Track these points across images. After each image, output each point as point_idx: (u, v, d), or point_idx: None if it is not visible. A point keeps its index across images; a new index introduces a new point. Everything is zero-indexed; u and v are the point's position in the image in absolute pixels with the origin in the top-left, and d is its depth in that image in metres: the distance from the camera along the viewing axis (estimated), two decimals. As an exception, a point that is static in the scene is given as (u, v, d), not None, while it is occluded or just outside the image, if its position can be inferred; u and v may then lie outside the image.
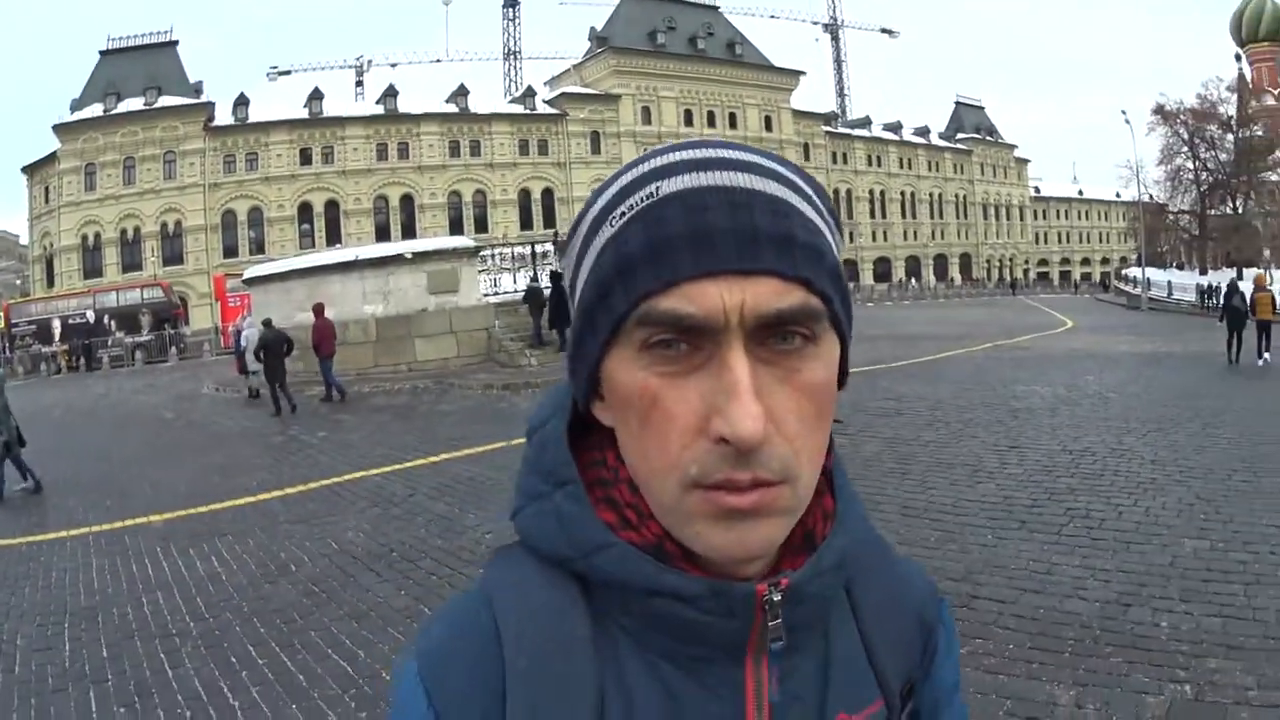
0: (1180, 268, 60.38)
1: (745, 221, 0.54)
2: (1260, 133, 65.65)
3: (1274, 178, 63.96)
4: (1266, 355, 16.51)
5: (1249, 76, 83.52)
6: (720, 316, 0.53)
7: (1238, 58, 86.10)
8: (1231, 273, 46.70)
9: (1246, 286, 17.79)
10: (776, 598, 0.59)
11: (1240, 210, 62.92)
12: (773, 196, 0.56)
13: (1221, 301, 18.11)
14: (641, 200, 0.56)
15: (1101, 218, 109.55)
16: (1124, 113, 51.38)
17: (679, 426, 0.55)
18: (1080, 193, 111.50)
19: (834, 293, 0.57)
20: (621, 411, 0.58)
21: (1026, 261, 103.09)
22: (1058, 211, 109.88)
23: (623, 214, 0.56)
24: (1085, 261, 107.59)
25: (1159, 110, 62.60)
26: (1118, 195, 64.20)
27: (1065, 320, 34.30)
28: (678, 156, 0.58)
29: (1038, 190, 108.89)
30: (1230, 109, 64.07)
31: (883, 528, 2.25)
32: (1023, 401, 11.98)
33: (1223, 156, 63.52)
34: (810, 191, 0.59)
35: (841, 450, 0.68)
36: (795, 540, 0.62)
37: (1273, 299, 17.35)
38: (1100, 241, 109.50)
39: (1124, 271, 64.66)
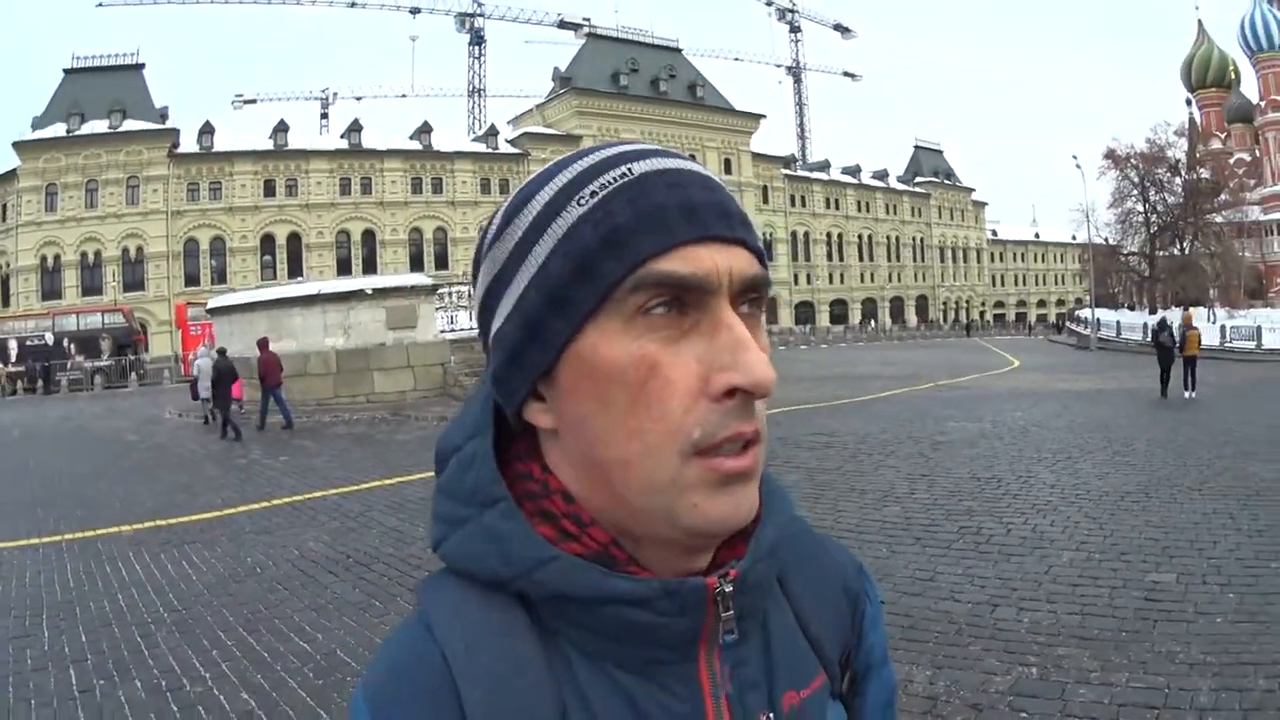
0: (1131, 308, 61.28)
1: (719, 198, 0.59)
2: (1207, 176, 67.91)
3: (1219, 219, 65.25)
4: (1192, 391, 17.46)
5: (1199, 121, 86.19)
6: (716, 277, 0.56)
7: (1188, 102, 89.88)
8: (1180, 311, 47.41)
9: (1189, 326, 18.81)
10: (728, 589, 0.60)
11: (1187, 251, 64.29)
12: (725, 187, 0.60)
13: (1151, 339, 19.07)
14: (617, 178, 0.58)
15: (1057, 260, 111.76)
16: (1075, 157, 52.56)
17: (679, 390, 0.56)
18: (1037, 235, 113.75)
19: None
20: (599, 391, 0.57)
21: (983, 303, 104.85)
22: (1014, 254, 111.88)
23: (594, 192, 0.57)
24: (1041, 303, 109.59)
25: (1110, 154, 64.12)
26: (1073, 237, 65.58)
27: (1012, 360, 35.58)
28: (634, 147, 0.61)
29: (995, 233, 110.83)
30: (1178, 153, 65.76)
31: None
32: (948, 435, 12.66)
33: (1171, 199, 64.92)
34: None
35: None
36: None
37: (1199, 337, 18.36)
38: (1056, 283, 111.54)
39: (1076, 312, 65.77)
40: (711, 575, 0.60)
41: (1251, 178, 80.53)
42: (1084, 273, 55.61)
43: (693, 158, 0.60)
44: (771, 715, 0.64)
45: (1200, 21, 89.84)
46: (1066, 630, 4.72)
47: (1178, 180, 65.03)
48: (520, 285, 0.59)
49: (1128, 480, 8.83)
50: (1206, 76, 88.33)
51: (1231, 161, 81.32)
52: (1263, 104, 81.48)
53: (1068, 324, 66.86)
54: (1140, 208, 64.74)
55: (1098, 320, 48.13)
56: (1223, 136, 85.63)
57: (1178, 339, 18.23)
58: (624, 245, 0.56)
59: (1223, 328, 38.24)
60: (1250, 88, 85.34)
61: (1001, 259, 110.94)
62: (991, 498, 8.21)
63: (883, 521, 7.47)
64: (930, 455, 10.91)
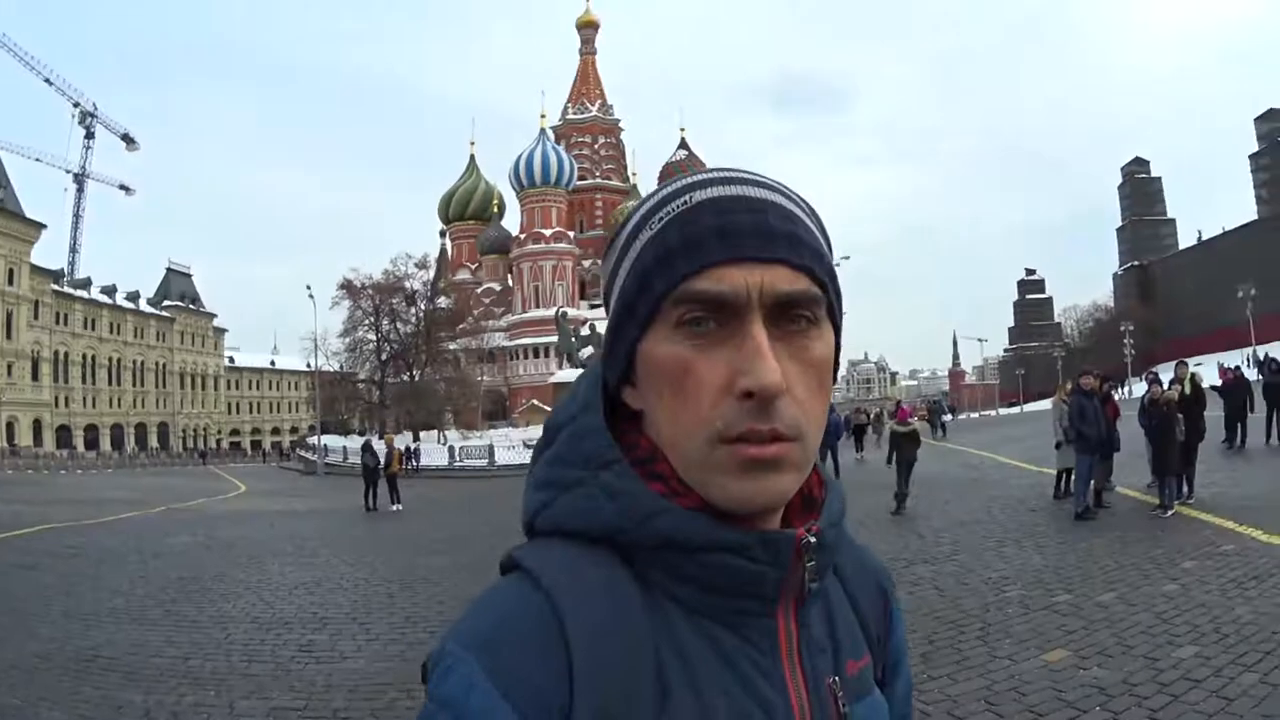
0: (363, 433, 61.21)
1: (762, 222, 0.65)
2: (447, 304, 74.38)
3: (453, 346, 70.46)
4: (398, 505, 20.18)
5: (449, 252, 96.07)
6: (744, 293, 0.63)
7: (442, 234, 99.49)
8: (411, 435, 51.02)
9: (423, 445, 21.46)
10: (812, 540, 0.68)
11: (419, 377, 68.11)
12: (783, 206, 0.67)
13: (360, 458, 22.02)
14: (678, 207, 0.67)
15: (292, 388, 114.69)
16: (309, 288, 52.69)
17: (708, 388, 0.64)
18: (273, 363, 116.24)
19: (830, 284, 0.68)
20: (655, 383, 0.66)
21: (219, 430, 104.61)
22: (251, 381, 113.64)
23: (661, 219, 0.67)
24: (276, 430, 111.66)
25: (346, 285, 66.98)
26: (308, 365, 69.70)
27: (240, 486, 37.61)
28: (709, 175, 0.69)
29: (233, 360, 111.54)
30: (416, 284, 70.03)
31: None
32: (168, 548, 14.32)
33: (405, 328, 68.97)
34: (809, 212, 0.70)
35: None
36: (796, 504, 0.72)
37: (400, 455, 21.59)
38: (290, 410, 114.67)
39: (307, 439, 66.45)
40: (801, 529, 0.68)
41: (500, 306, 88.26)
42: (315, 399, 58.22)
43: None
44: (836, 679, 0.72)
45: (473, 157, 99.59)
46: (226, 669, 6.55)
47: (414, 309, 69.57)
48: (615, 292, 0.70)
49: (304, 575, 11.01)
50: (467, 209, 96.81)
51: (480, 291, 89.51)
52: (522, 236, 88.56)
53: (298, 450, 67.71)
54: (372, 336, 68.43)
55: (325, 446, 49.55)
56: (474, 267, 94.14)
57: (383, 457, 21.07)
58: (670, 265, 0.65)
59: (452, 448, 41.21)
60: (512, 221, 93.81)
61: (239, 386, 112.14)
62: (192, 591, 10.02)
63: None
64: (150, 562, 12.58)
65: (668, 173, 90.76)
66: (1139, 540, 9.13)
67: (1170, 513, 10.42)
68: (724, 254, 0.64)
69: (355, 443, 38.66)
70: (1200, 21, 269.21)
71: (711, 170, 0.69)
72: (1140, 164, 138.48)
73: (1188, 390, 12.42)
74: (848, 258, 58.18)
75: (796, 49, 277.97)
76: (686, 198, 0.67)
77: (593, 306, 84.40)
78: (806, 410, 0.65)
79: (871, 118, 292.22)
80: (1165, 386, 12.00)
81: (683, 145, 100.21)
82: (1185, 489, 11.40)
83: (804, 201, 0.70)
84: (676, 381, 0.65)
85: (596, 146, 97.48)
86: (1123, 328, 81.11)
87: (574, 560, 0.66)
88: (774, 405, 0.63)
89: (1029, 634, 6.13)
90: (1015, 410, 78.00)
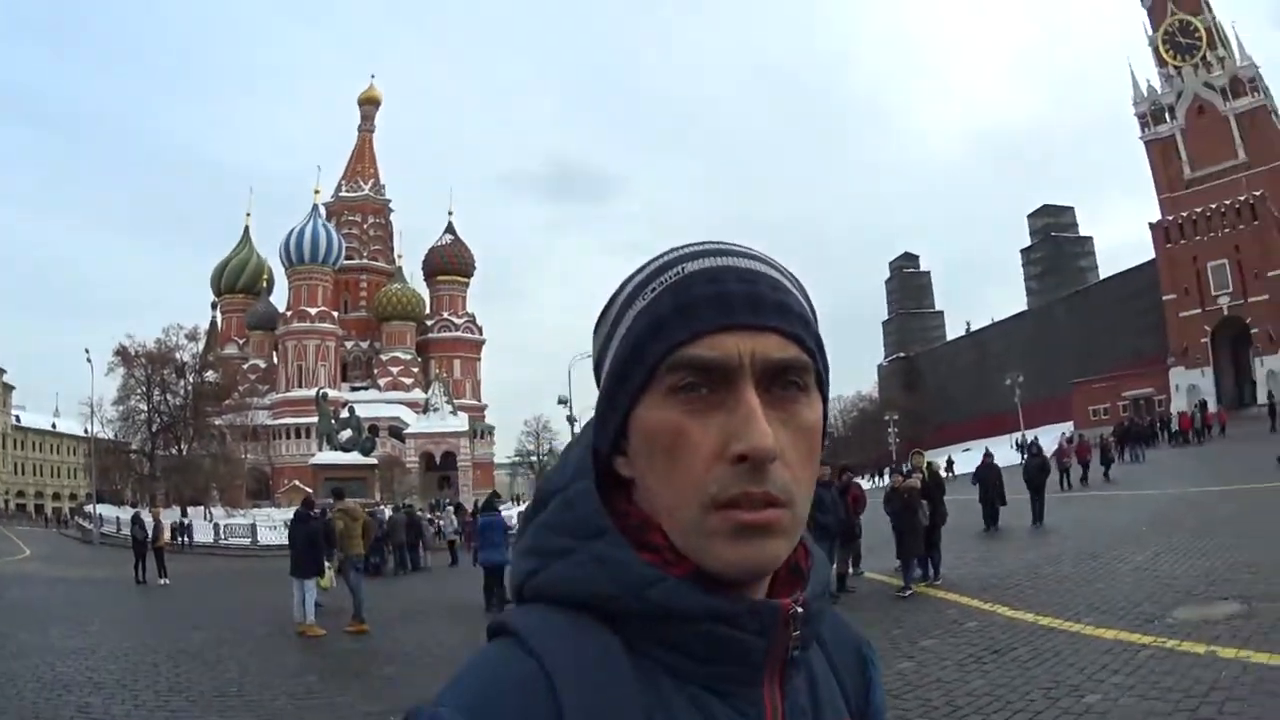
0: (134, 505, 56.92)
1: (753, 291, 0.67)
2: (215, 378, 72.93)
3: (219, 421, 69.34)
4: (164, 579, 20.85)
5: (219, 325, 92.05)
6: (736, 359, 0.65)
7: (214, 306, 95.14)
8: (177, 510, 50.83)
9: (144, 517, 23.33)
10: (799, 610, 0.68)
11: (186, 451, 67.09)
12: (772, 277, 0.69)
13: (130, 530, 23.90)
14: (671, 277, 0.68)
15: (71, 452, 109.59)
16: (87, 351, 52.91)
17: (702, 453, 0.64)
18: (54, 426, 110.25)
19: (818, 353, 0.70)
20: (649, 449, 0.67)
21: (6, 492, 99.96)
22: (35, 443, 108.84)
23: (653, 289, 0.68)
24: (56, 495, 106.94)
25: (121, 351, 65.99)
26: (85, 430, 67.35)
27: (25, 549, 39.23)
28: (700, 247, 0.71)
29: (19, 419, 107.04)
30: (186, 355, 69.32)
31: None
32: None
33: (176, 400, 68.21)
34: (796, 284, 0.72)
35: None
36: (783, 574, 0.72)
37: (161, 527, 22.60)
38: (70, 476, 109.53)
39: (85, 507, 62.70)
40: (788, 599, 0.69)
41: (265, 383, 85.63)
42: (91, 467, 57.12)
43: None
44: None
45: (248, 229, 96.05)
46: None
47: (184, 382, 69.00)
48: (608, 361, 0.71)
49: (80, 642, 11.57)
50: (238, 282, 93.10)
51: (246, 367, 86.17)
52: (289, 313, 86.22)
53: (75, 518, 65.94)
54: (144, 406, 67.43)
55: (100, 516, 48.88)
56: (242, 342, 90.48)
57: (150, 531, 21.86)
58: (663, 332, 0.66)
59: (217, 525, 41.41)
60: (280, 297, 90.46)
61: (23, 447, 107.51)
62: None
63: None
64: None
65: (433, 258, 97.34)
66: (879, 621, 9.41)
67: (909, 593, 10.83)
68: (717, 321, 0.65)
69: (128, 514, 36.78)
70: (976, 123, 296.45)
71: (703, 243, 0.72)
72: (909, 259, 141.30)
73: (927, 478, 12.98)
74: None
75: (571, 139, 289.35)
76: (680, 268, 0.69)
77: (354, 389, 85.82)
78: (797, 476, 0.66)
79: (642, 205, 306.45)
80: (905, 475, 12.78)
81: (449, 230, 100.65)
82: (931, 571, 11.88)
83: (791, 274, 0.73)
84: (670, 447, 0.66)
85: (366, 226, 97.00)
86: (886, 417, 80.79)
87: (564, 626, 0.66)
88: (767, 469, 0.64)
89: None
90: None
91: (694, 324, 0.66)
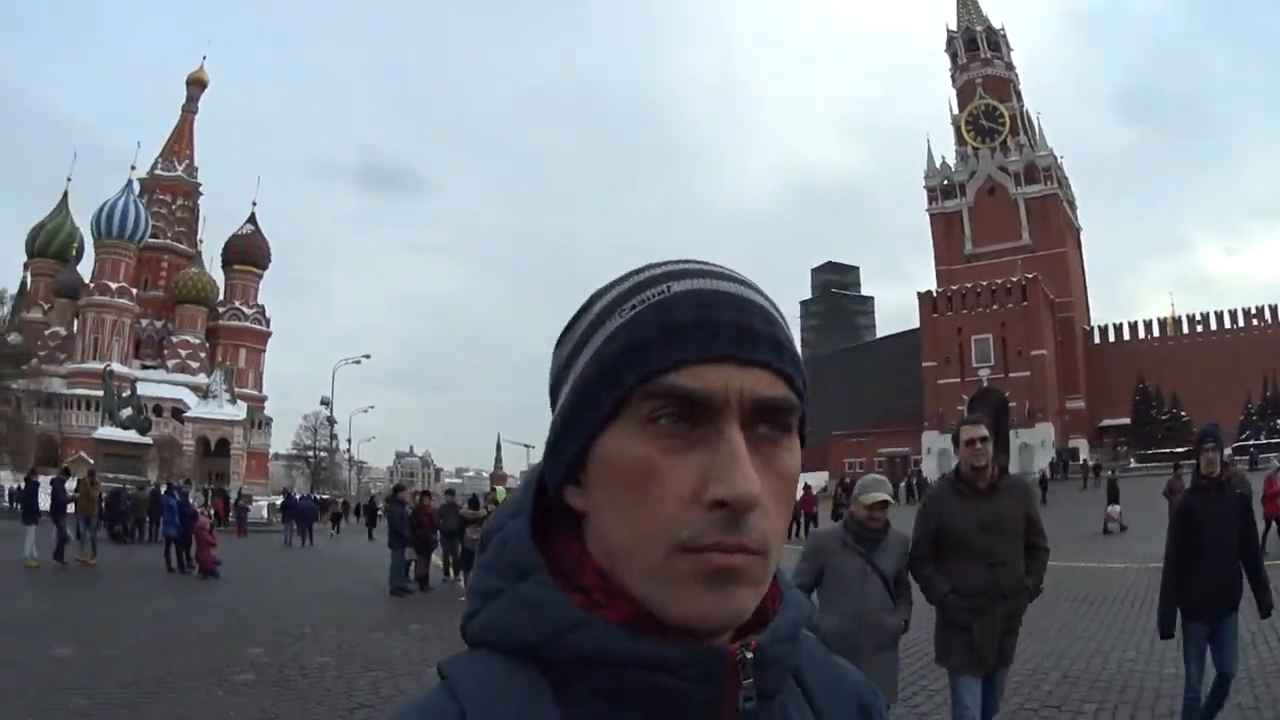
0: None
1: (745, 321, 0.60)
2: (15, 341, 70.56)
3: (15, 386, 66.35)
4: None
5: (29, 287, 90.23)
6: (722, 395, 0.58)
7: (25, 267, 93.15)
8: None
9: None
10: (749, 656, 0.61)
11: None
12: (765, 309, 0.62)
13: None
14: (653, 296, 0.61)
15: None
16: None
17: (674, 494, 0.58)
18: None
19: (805, 392, 0.63)
20: (611, 484, 0.60)
21: None
22: None
23: (634, 306, 0.61)
24: None
25: None
26: None
27: None
28: (686, 266, 0.64)
29: None
30: None
31: None
32: None
33: None
34: (781, 315, 0.65)
35: None
36: (751, 622, 0.63)
37: None
38: None
39: None
40: (735, 644, 0.61)
41: (64, 351, 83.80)
42: None
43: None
44: None
45: (67, 194, 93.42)
46: None
47: None
48: (569, 381, 0.63)
49: None
50: (50, 247, 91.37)
51: (48, 333, 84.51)
52: (92, 285, 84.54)
53: None
54: None
55: None
56: (47, 307, 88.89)
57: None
58: (643, 356, 0.59)
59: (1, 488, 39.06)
60: (87, 267, 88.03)
61: None
62: None
63: None
64: None
65: (232, 246, 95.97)
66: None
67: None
68: (704, 351, 0.59)
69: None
70: (794, 168, 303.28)
71: (688, 261, 0.65)
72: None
73: None
74: (369, 356, 61.29)
75: (385, 135, 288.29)
76: (664, 286, 0.62)
77: (145, 366, 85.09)
78: (774, 524, 0.60)
79: (452, 209, 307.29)
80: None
81: (251, 220, 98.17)
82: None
83: (777, 306, 0.66)
84: (638, 485, 0.59)
85: (174, 207, 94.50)
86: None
87: (492, 673, 0.61)
88: (746, 518, 0.58)
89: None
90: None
91: (679, 351, 0.59)
